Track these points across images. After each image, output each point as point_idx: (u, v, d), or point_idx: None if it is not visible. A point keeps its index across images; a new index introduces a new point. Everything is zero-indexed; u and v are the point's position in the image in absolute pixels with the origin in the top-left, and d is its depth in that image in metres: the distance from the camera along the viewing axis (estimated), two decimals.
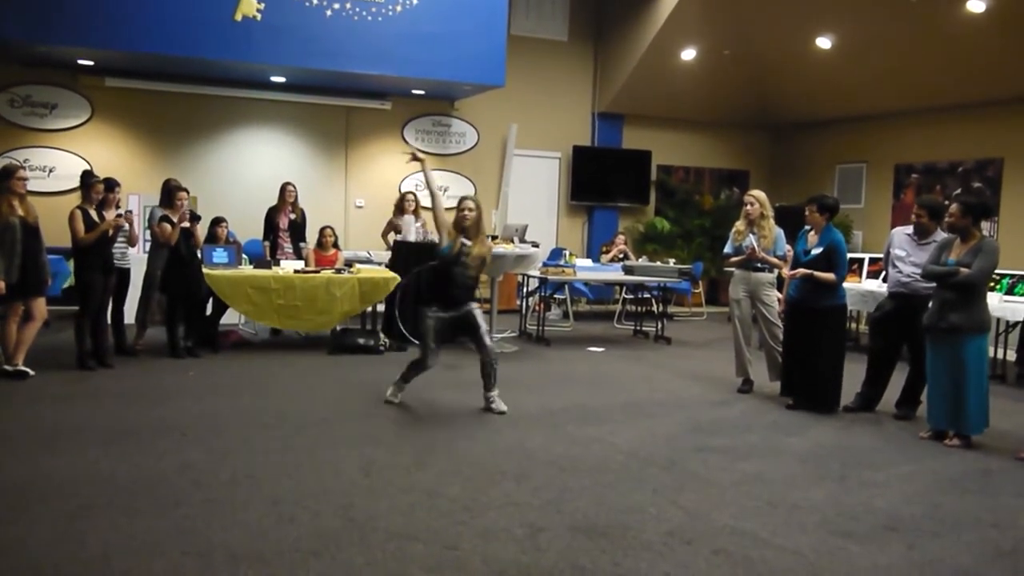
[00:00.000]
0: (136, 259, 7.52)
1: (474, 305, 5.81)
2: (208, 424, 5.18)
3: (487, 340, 5.77)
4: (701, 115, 13.01)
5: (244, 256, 8.43)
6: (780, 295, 6.60)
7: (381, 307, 8.38)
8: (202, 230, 7.70)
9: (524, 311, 9.92)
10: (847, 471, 4.72)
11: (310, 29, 9.13)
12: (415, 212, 9.17)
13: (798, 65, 11.49)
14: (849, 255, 6.79)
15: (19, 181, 6.16)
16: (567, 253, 10.74)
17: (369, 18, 9.38)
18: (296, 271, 7.81)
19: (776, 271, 6.76)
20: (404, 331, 8.18)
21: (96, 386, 6.15)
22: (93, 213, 6.63)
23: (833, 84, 11.41)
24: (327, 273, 7.83)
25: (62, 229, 6.66)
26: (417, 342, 8.02)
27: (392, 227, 9.15)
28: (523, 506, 3.96)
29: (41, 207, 6.74)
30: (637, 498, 4.14)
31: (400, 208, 9.20)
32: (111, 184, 6.93)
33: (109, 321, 7.02)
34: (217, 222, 8.01)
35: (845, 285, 6.23)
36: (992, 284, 7.07)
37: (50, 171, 9.86)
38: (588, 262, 10.70)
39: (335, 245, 8.68)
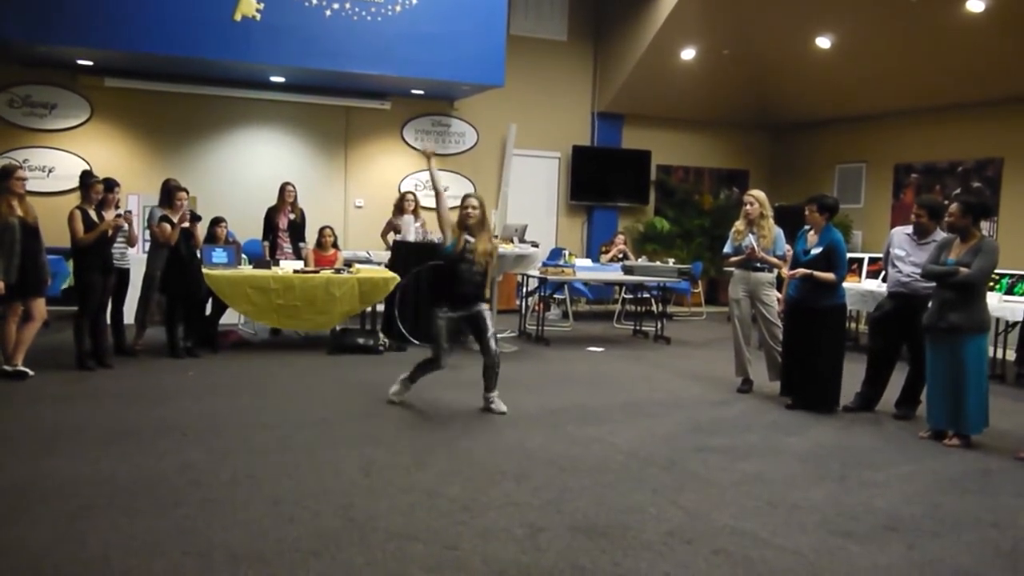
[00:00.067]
0: (135, 259, 7.51)
1: (484, 306, 5.80)
2: (208, 424, 5.18)
3: (492, 344, 5.76)
4: (701, 115, 13.01)
5: (243, 256, 8.43)
6: (780, 295, 6.60)
7: (381, 307, 8.39)
8: (201, 230, 7.70)
9: (524, 311, 9.92)
10: (847, 471, 4.72)
11: (309, 29, 9.13)
12: (414, 212, 9.17)
13: (798, 65, 11.49)
14: (849, 255, 6.79)
15: (18, 181, 6.16)
16: (566, 253, 10.74)
17: (368, 18, 9.38)
18: (295, 271, 7.81)
19: (776, 271, 6.76)
20: (404, 331, 8.18)
21: (96, 386, 6.15)
22: (92, 213, 6.62)
23: (833, 84, 11.41)
24: (326, 273, 7.83)
25: (61, 229, 6.66)
26: (417, 342, 8.08)
27: (391, 227, 9.15)
28: (523, 506, 3.96)
29: (40, 207, 6.75)
30: (637, 498, 4.14)
31: (399, 208, 9.20)
32: (110, 184, 6.93)
33: (108, 321, 7.02)
34: (216, 222, 8.00)
35: (845, 285, 6.23)
36: (992, 284, 7.08)
37: (49, 171, 9.86)
38: (587, 262, 10.70)
39: (334, 245, 8.68)
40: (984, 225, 7.31)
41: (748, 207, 6.78)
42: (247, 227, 9.23)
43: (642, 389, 6.84)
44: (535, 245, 9.22)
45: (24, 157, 9.64)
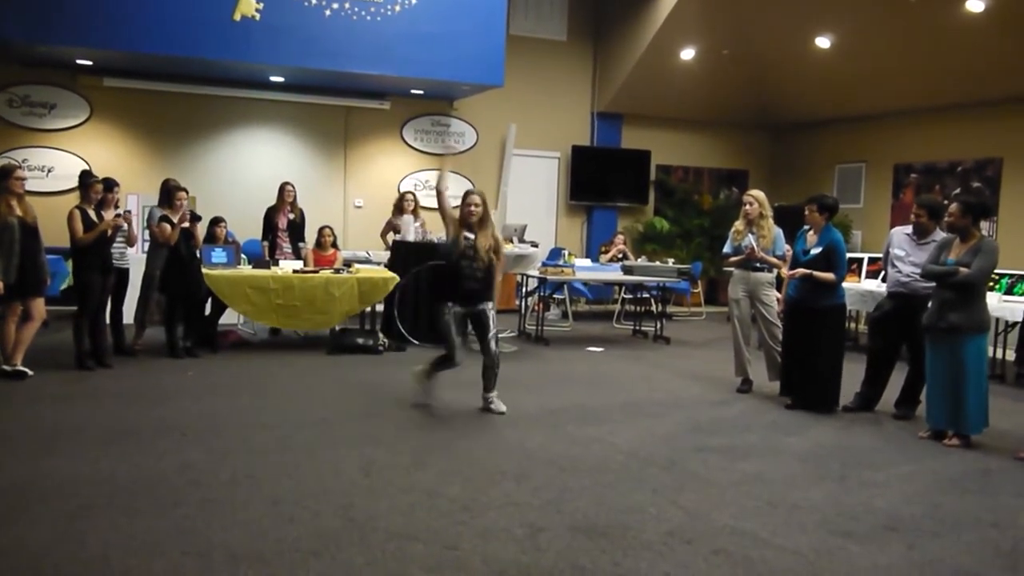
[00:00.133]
0: (135, 259, 7.51)
1: (490, 305, 5.76)
2: (207, 424, 5.18)
3: (493, 344, 5.75)
4: (700, 115, 13.01)
5: (243, 256, 8.43)
6: (779, 295, 6.60)
7: (380, 307, 8.38)
8: (201, 230, 7.70)
9: (523, 311, 9.92)
10: (847, 471, 4.72)
11: (309, 29, 9.13)
12: (414, 212, 9.17)
13: (798, 65, 11.49)
14: (848, 255, 6.79)
15: (17, 181, 6.15)
16: (566, 253, 10.74)
17: (368, 18, 9.38)
18: (295, 271, 7.81)
19: (775, 271, 6.76)
20: (403, 331, 8.18)
21: (95, 386, 6.15)
22: (92, 213, 6.62)
23: (833, 84, 11.41)
24: (326, 273, 7.82)
25: (61, 229, 6.65)
26: (416, 342, 8.08)
27: (391, 227, 9.15)
28: (523, 506, 3.96)
29: (40, 207, 6.74)
30: (637, 498, 4.14)
31: (399, 208, 9.20)
32: (110, 184, 6.92)
33: (108, 321, 7.02)
34: (216, 222, 7.99)
35: (844, 285, 6.23)
36: (991, 284, 7.08)
37: (49, 171, 9.86)
38: (587, 262, 10.70)
39: (334, 245, 8.67)
40: (984, 225, 7.31)
41: (747, 207, 6.78)
42: (246, 227, 9.23)
43: (642, 389, 6.84)
44: (535, 245, 9.22)
45: (23, 157, 9.65)
